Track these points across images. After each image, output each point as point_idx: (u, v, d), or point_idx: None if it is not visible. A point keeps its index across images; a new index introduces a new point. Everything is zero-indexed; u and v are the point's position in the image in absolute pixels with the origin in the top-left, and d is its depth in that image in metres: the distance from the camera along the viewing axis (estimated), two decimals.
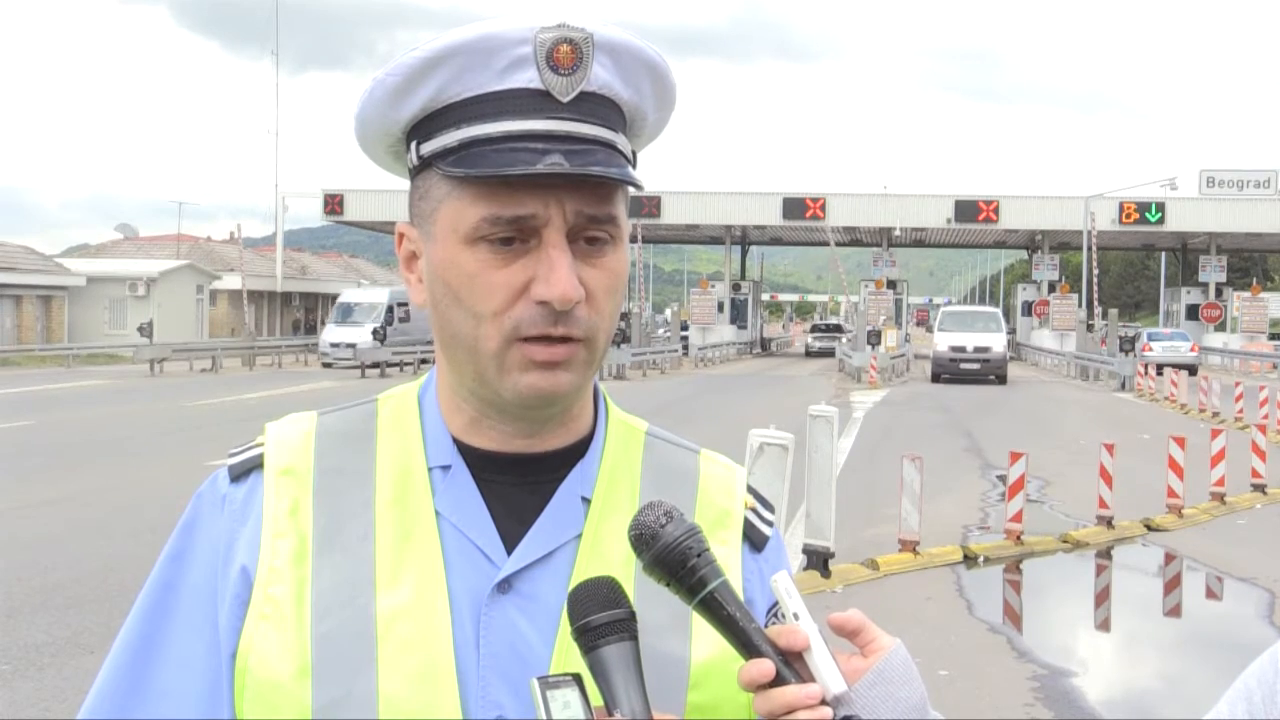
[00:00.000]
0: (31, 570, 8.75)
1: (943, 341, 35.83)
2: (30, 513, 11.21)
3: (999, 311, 39.63)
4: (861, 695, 0.92)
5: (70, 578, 8.49)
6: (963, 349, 34.99)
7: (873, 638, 0.96)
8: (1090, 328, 40.65)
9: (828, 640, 0.94)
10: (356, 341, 39.32)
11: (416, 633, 1.02)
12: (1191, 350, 41.60)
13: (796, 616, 0.94)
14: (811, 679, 0.92)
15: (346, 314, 42.26)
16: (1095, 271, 46.47)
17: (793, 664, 0.93)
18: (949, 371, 34.83)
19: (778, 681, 0.92)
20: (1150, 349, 41.17)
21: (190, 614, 1.08)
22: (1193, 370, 34.62)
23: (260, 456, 1.12)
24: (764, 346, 60.22)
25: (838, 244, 54.40)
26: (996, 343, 35.11)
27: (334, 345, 40.64)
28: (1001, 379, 34.38)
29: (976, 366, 34.43)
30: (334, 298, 72.59)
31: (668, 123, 1.16)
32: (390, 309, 41.92)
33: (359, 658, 1.02)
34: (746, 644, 0.94)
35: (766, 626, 0.95)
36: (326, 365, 40.09)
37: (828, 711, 0.91)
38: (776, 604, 0.98)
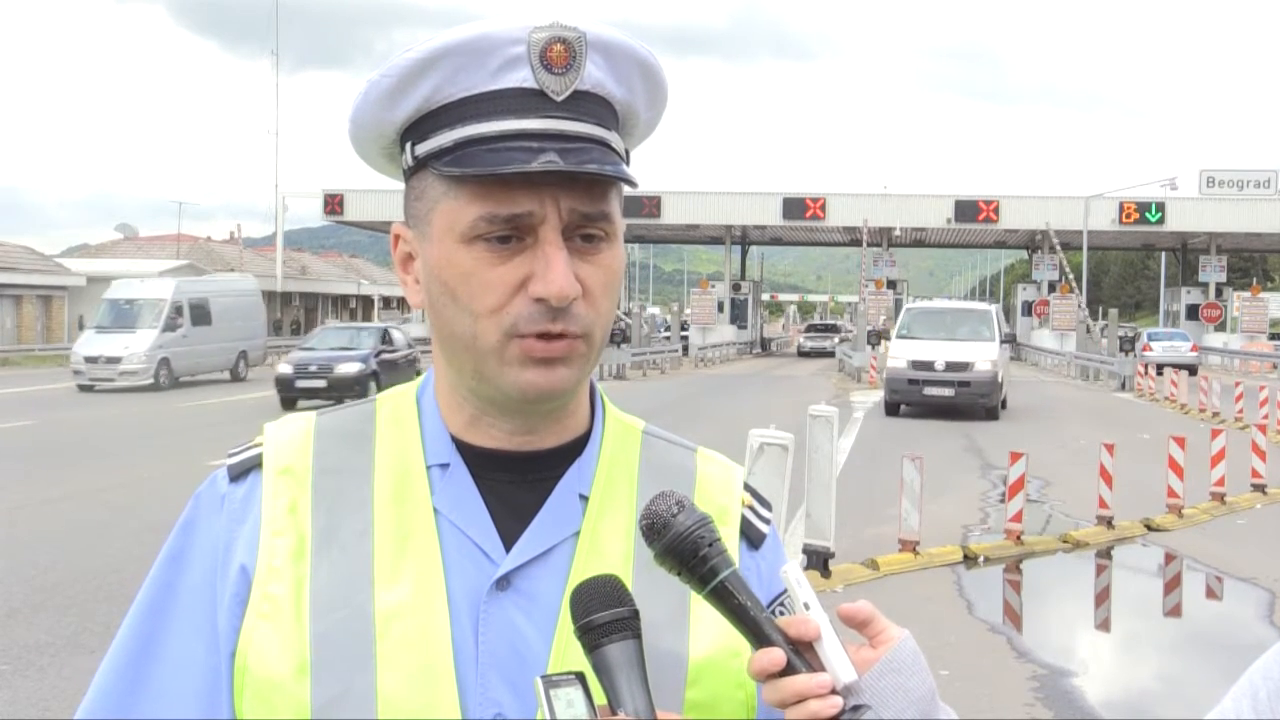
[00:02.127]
0: (31, 570, 8.75)
1: (901, 353, 23.31)
2: (30, 513, 11.21)
3: (992, 310, 25.57)
4: (871, 685, 0.93)
5: (70, 578, 8.49)
6: (929, 365, 22.62)
7: (882, 629, 0.96)
8: (1089, 329, 40.61)
9: (837, 631, 0.95)
10: (123, 353, 28.11)
11: (415, 630, 1.03)
12: (1192, 350, 41.64)
13: (807, 606, 0.94)
14: (822, 669, 0.93)
15: (116, 315, 29.79)
16: (1084, 271, 46.34)
17: (803, 654, 0.93)
18: (908, 399, 23.08)
19: (788, 671, 0.92)
20: (1150, 349, 41.26)
21: (189, 614, 1.08)
22: (1193, 370, 34.63)
23: (259, 456, 1.12)
24: (764, 347, 60.24)
25: (837, 244, 54.37)
26: (982, 356, 22.71)
27: (90, 359, 28.13)
28: (992, 412, 22.57)
29: (949, 393, 22.43)
30: (336, 298, 72.82)
31: (660, 121, 1.16)
32: (179, 308, 30.18)
33: (357, 656, 1.02)
34: (757, 634, 0.94)
35: (771, 617, 0.96)
36: (84, 388, 27.86)
37: (838, 700, 0.91)
38: (780, 596, 0.99)
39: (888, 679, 0.93)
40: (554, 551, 1.07)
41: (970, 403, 22.49)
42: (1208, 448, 12.68)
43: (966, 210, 49.85)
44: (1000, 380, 23.12)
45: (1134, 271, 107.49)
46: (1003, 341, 24.53)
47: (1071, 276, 47.02)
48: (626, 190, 1.10)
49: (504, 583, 1.05)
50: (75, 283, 48.88)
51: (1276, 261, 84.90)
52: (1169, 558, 10.36)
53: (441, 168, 1.04)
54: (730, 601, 0.94)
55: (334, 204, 52.39)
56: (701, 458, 1.20)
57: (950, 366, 22.58)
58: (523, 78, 1.03)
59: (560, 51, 1.03)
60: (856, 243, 52.54)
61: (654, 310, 60.93)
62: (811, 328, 65.28)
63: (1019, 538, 10.20)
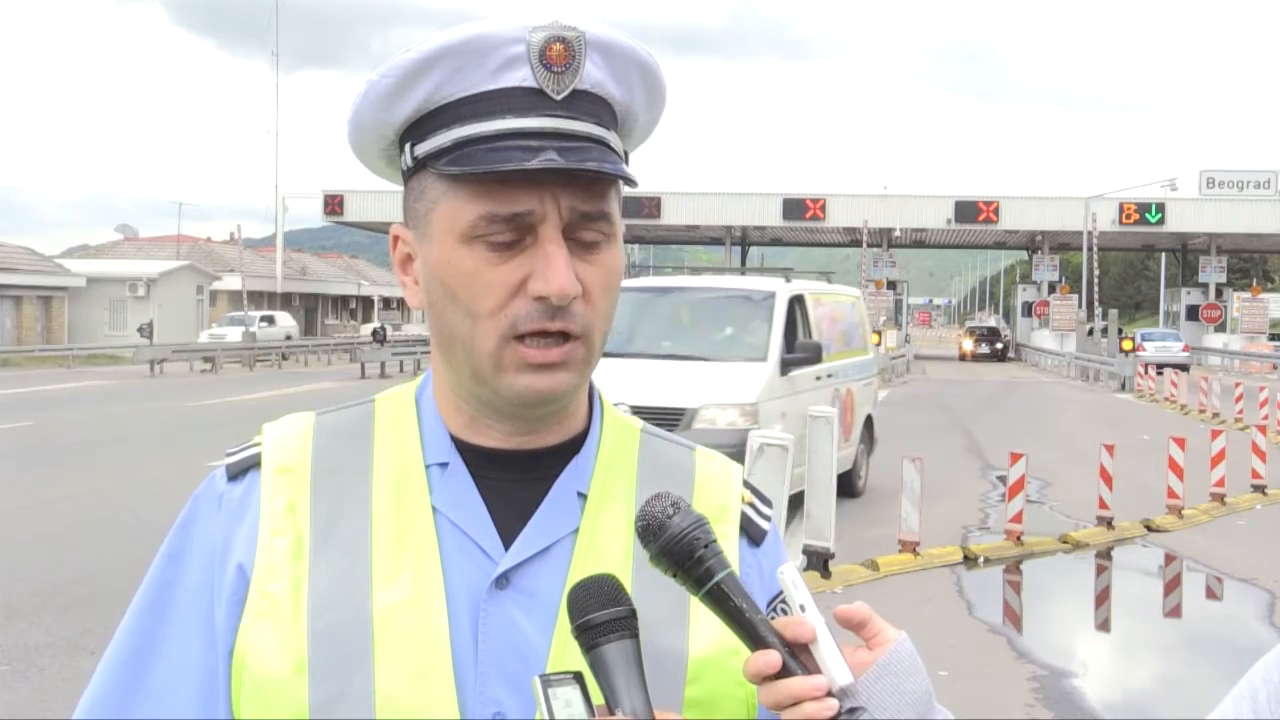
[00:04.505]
0: (31, 570, 8.75)
1: None
2: (30, 513, 11.21)
3: (777, 295, 11.37)
4: (868, 687, 0.92)
5: (70, 578, 8.49)
6: None
7: (878, 630, 0.96)
8: (1091, 332, 40.63)
9: (833, 633, 0.94)
10: None
11: (413, 629, 1.03)
12: (1183, 350, 41.87)
13: (803, 608, 0.94)
14: (818, 671, 0.92)
15: None
16: (1096, 272, 46.42)
17: (799, 656, 0.93)
18: None
19: (784, 673, 0.92)
20: (1144, 349, 41.43)
21: (187, 613, 1.08)
22: (1184, 369, 34.76)
23: (258, 455, 1.12)
24: None
25: (837, 245, 54.29)
26: (727, 394, 10.16)
27: None
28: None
29: None
30: (336, 299, 72.48)
31: (658, 123, 1.16)
32: None
33: (356, 654, 1.02)
34: (753, 635, 0.93)
35: (770, 618, 0.95)
36: None
37: (834, 703, 0.91)
38: (779, 596, 0.98)
39: (884, 681, 0.93)
40: (553, 549, 1.07)
41: None
42: (1208, 448, 12.68)
43: (966, 211, 49.86)
44: (746, 439, 7.97)
45: (1134, 272, 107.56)
46: (795, 360, 11.08)
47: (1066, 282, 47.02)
48: (627, 191, 1.10)
49: (503, 580, 1.05)
50: (75, 283, 48.87)
51: (1276, 262, 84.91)
52: (1169, 558, 10.35)
53: (441, 167, 1.04)
54: (726, 604, 0.94)
55: (334, 205, 52.41)
56: (700, 456, 1.19)
57: (651, 416, 5.39)
58: (522, 77, 1.03)
59: (560, 50, 1.03)
60: (856, 243, 52.53)
61: None
62: None
63: (1019, 538, 10.20)
